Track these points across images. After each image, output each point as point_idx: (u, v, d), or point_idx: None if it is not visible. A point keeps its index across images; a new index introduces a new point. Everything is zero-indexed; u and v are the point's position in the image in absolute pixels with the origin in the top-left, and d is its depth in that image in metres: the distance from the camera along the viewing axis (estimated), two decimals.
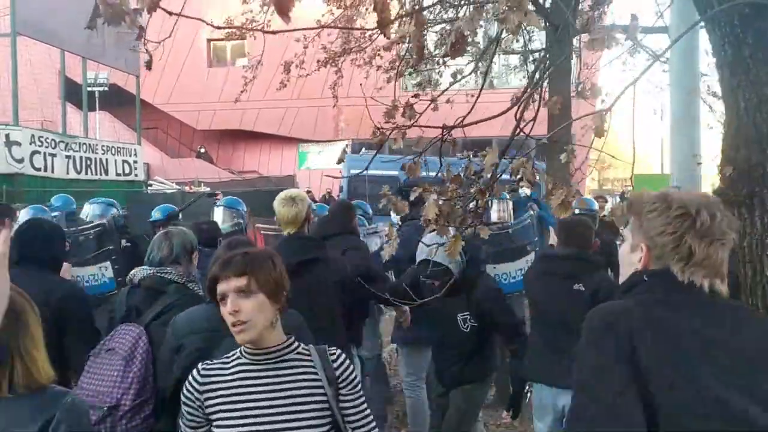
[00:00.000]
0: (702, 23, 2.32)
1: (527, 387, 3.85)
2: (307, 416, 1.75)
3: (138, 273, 2.86)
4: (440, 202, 2.39)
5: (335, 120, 24.25)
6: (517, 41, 9.51)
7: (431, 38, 8.59)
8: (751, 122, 2.04)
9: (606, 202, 9.16)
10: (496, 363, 3.87)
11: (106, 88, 20.52)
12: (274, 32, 1.89)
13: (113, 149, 14.88)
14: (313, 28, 4.81)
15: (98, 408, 2.46)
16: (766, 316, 2.04)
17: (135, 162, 15.47)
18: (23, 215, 5.23)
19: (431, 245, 3.35)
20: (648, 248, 1.44)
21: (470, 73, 6.91)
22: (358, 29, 8.70)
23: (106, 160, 14.44)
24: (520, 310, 4.67)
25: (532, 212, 5.95)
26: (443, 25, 8.48)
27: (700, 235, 1.37)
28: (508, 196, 5.73)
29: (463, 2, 7.34)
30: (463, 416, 3.73)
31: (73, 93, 17.22)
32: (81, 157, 13.59)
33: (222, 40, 23.77)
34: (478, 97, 2.58)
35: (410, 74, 8.94)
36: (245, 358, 1.81)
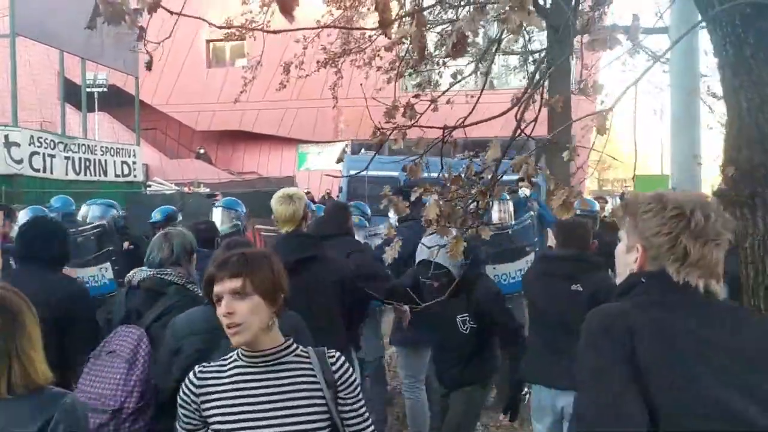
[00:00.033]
0: (703, 23, 2.31)
1: (526, 389, 3.84)
2: (305, 419, 1.73)
3: (137, 274, 2.85)
4: (441, 203, 2.38)
5: (335, 121, 24.25)
6: (517, 42, 9.52)
7: (431, 39, 8.59)
8: (753, 123, 2.03)
9: (606, 202, 9.17)
10: (497, 364, 3.86)
11: (105, 89, 20.52)
12: (275, 32, 1.88)
13: (112, 150, 14.86)
14: (313, 28, 4.81)
15: (101, 411, 2.45)
16: (766, 317, 2.04)
17: (134, 163, 15.45)
18: (22, 216, 5.23)
19: (432, 247, 3.34)
20: (644, 249, 1.45)
21: (471, 74, 6.91)
22: (358, 29, 8.70)
23: (105, 161, 14.43)
24: (520, 311, 4.66)
25: (532, 213, 5.95)
26: (443, 25, 8.48)
27: (695, 235, 1.38)
28: (508, 197, 5.73)
29: (462, 2, 7.34)
30: (464, 418, 3.72)
31: (72, 94, 17.21)
32: (80, 158, 13.57)
33: (221, 40, 23.79)
34: (479, 98, 2.58)
35: (410, 75, 8.94)
36: (242, 360, 1.79)
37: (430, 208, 2.39)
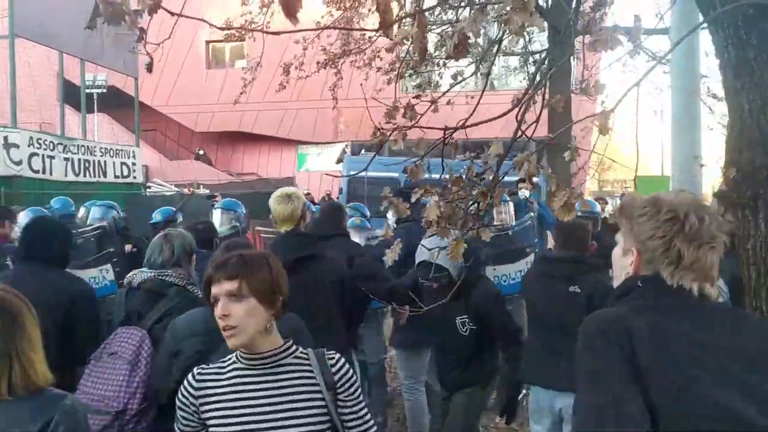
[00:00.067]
0: (704, 24, 2.31)
1: (524, 391, 3.84)
2: (305, 421, 1.73)
3: (138, 276, 2.85)
4: (442, 204, 2.38)
5: (334, 122, 24.26)
6: (517, 43, 9.52)
7: (431, 39, 8.58)
8: (755, 124, 2.02)
9: (606, 203, 9.17)
10: (497, 366, 3.86)
11: (104, 90, 20.55)
12: (275, 33, 1.88)
13: (112, 151, 14.85)
14: (314, 30, 4.81)
15: (104, 412, 2.45)
16: (765, 318, 2.04)
17: (133, 164, 15.44)
18: (22, 217, 5.24)
19: (432, 248, 3.34)
20: (638, 252, 1.46)
21: (471, 75, 6.90)
22: (358, 30, 8.69)
23: (105, 162, 14.42)
24: (520, 312, 4.66)
25: (532, 213, 5.95)
26: (443, 26, 8.47)
27: (688, 238, 1.38)
28: (508, 198, 5.73)
29: (463, 3, 7.33)
30: (464, 420, 3.71)
31: (71, 95, 17.21)
32: (79, 160, 13.56)
33: (221, 41, 23.81)
34: (480, 99, 2.57)
35: (410, 76, 8.94)
36: (241, 362, 1.79)
37: (430, 209, 2.38)
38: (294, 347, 1.83)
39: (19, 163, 11.75)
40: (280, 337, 1.82)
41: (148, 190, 17.67)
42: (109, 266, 4.84)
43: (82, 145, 13.89)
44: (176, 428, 1.82)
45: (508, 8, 1.57)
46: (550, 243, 4.18)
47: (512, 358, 3.58)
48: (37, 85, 21.18)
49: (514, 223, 5.54)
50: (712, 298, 1.41)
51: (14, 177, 11.63)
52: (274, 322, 1.79)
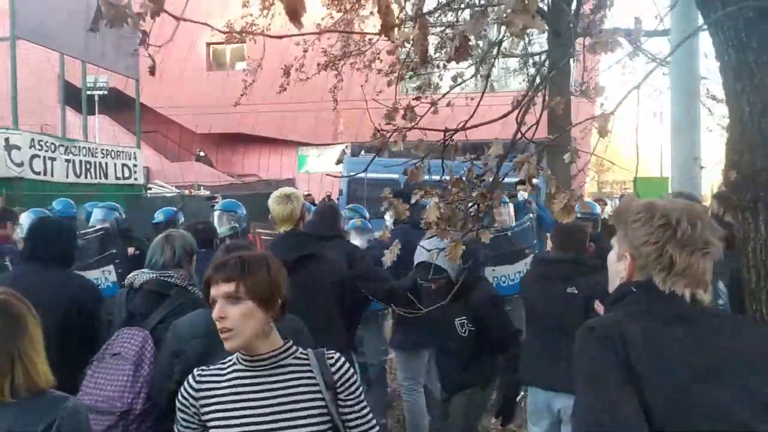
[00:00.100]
0: (704, 26, 2.31)
1: (522, 393, 3.84)
2: (305, 422, 1.73)
3: (139, 277, 2.85)
4: (441, 206, 2.38)
5: (335, 123, 24.26)
6: (518, 45, 9.52)
7: (431, 41, 8.58)
8: (755, 127, 2.03)
9: (606, 204, 9.18)
10: (497, 367, 3.86)
11: (105, 92, 20.55)
12: (278, 36, 1.88)
13: (113, 153, 14.84)
14: (315, 33, 4.82)
15: (108, 413, 2.45)
16: (764, 324, 2.04)
17: (135, 166, 15.43)
18: (24, 218, 5.24)
19: (432, 250, 3.34)
20: (632, 258, 1.47)
21: (471, 77, 6.92)
22: (360, 33, 8.70)
23: (106, 163, 14.41)
24: (519, 313, 4.65)
25: (531, 215, 5.95)
26: (443, 28, 8.47)
27: (681, 245, 1.40)
28: (508, 200, 5.73)
29: (463, 5, 7.34)
30: (465, 421, 3.71)
31: (72, 97, 17.21)
32: (81, 161, 13.56)
33: (222, 43, 23.83)
34: (480, 101, 2.58)
35: (410, 78, 8.95)
36: (241, 364, 1.79)
37: (430, 210, 2.39)
38: (294, 348, 1.83)
39: (20, 164, 11.75)
40: (280, 338, 1.82)
41: (149, 191, 17.66)
42: (111, 267, 4.85)
43: (84, 147, 13.88)
44: (176, 430, 1.82)
45: (509, 11, 1.58)
46: (549, 245, 4.19)
47: (510, 359, 3.59)
48: (38, 87, 21.18)
49: (513, 224, 5.55)
50: (705, 304, 1.42)
51: (15, 179, 11.63)
52: (273, 325, 1.79)
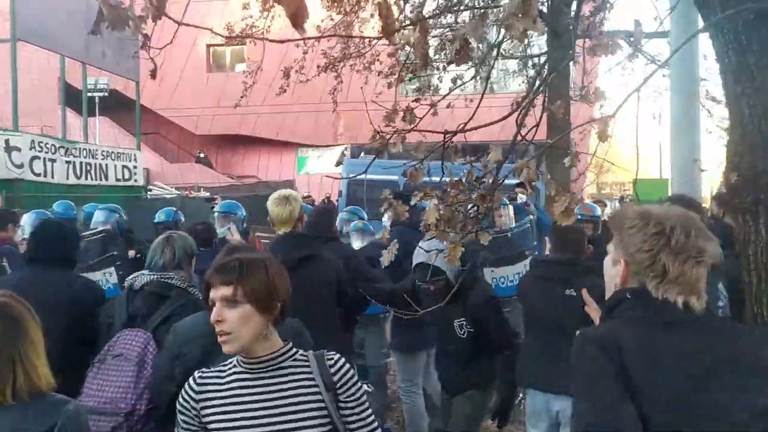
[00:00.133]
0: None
1: (520, 395, 3.83)
2: (305, 424, 1.72)
3: (139, 278, 2.85)
4: (441, 207, 2.38)
5: (334, 125, 24.26)
6: (518, 47, 9.53)
7: (431, 43, 8.58)
8: (756, 129, 2.03)
9: (605, 206, 9.18)
10: (497, 368, 3.86)
11: (105, 94, 20.53)
12: (279, 41, 1.88)
13: (113, 154, 14.84)
14: (315, 38, 4.82)
15: (111, 414, 2.45)
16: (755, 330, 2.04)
17: (135, 167, 15.43)
18: (25, 220, 5.25)
19: (431, 251, 3.34)
20: (626, 264, 1.48)
21: (471, 79, 6.92)
22: (361, 37, 8.71)
23: (106, 165, 14.41)
24: (518, 314, 4.65)
25: (531, 216, 5.95)
26: (443, 30, 8.48)
27: (674, 252, 1.40)
28: (508, 202, 5.73)
29: (462, 8, 7.36)
30: (465, 422, 3.71)
31: (72, 98, 17.20)
32: (81, 163, 13.56)
33: (222, 45, 23.83)
34: (480, 103, 2.58)
35: (410, 80, 8.96)
36: (241, 366, 1.78)
37: (429, 212, 2.39)
38: (293, 350, 1.83)
39: (20, 166, 11.75)
40: (280, 340, 1.82)
41: (149, 193, 17.65)
42: (112, 269, 4.84)
43: (84, 149, 13.88)
44: None
45: (510, 13, 1.58)
46: (548, 249, 4.19)
47: (508, 361, 3.59)
48: (38, 89, 21.16)
49: (513, 225, 5.55)
50: (698, 311, 1.42)
51: (16, 180, 11.63)
52: (272, 328, 1.78)
